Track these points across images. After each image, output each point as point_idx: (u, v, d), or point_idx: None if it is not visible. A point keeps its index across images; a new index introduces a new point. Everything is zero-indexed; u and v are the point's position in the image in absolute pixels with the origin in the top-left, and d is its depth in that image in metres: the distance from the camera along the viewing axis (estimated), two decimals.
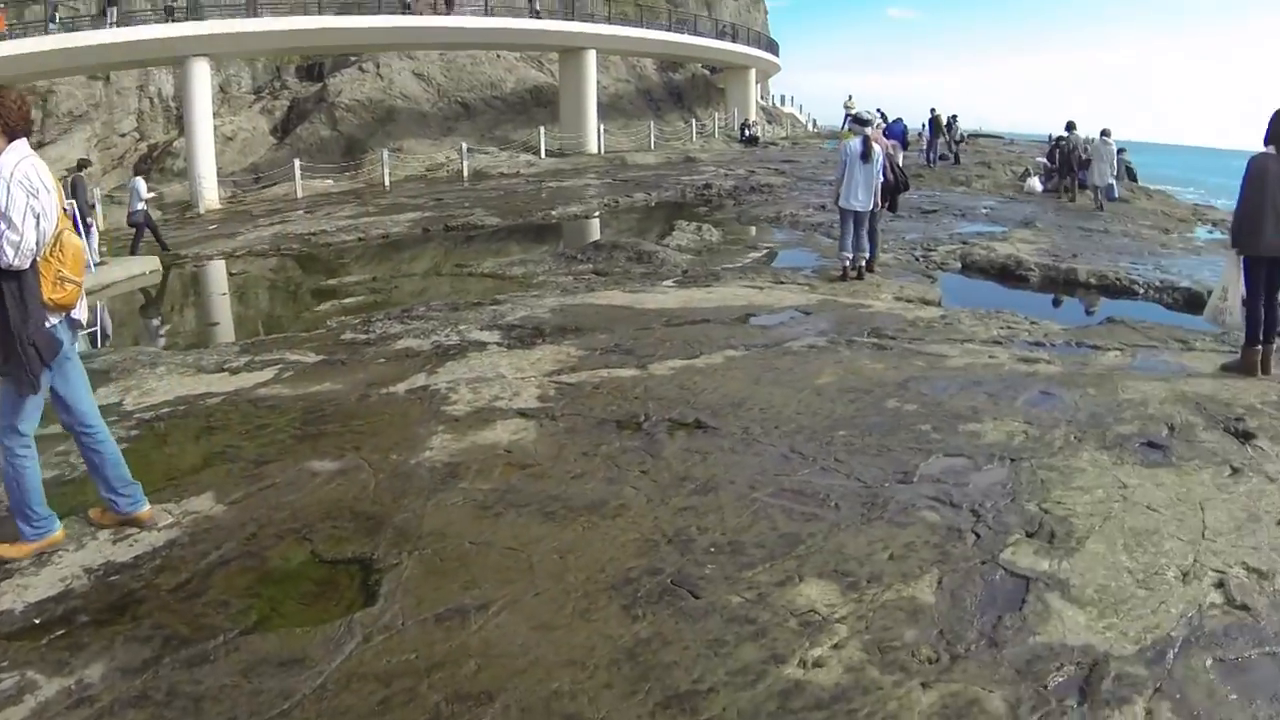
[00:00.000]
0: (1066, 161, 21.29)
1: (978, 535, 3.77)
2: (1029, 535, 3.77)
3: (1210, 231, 17.97)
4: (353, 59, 33.48)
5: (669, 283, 10.17)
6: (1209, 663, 2.93)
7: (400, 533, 3.80)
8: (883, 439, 4.91)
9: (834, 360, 6.59)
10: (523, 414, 5.28)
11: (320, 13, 27.12)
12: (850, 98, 35.46)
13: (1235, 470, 4.53)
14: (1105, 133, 19.68)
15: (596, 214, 18.72)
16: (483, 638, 3.02)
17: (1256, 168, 6.11)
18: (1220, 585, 3.40)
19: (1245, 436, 5.02)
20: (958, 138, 31.39)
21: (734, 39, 45.52)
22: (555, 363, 6.47)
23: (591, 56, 34.08)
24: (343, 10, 28.60)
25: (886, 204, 10.76)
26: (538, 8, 33.21)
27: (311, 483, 4.37)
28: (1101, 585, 3.38)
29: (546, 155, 31.01)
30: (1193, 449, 4.81)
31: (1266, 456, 4.75)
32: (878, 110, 25.35)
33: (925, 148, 28.37)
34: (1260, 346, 6.34)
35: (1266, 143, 6.13)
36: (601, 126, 34.14)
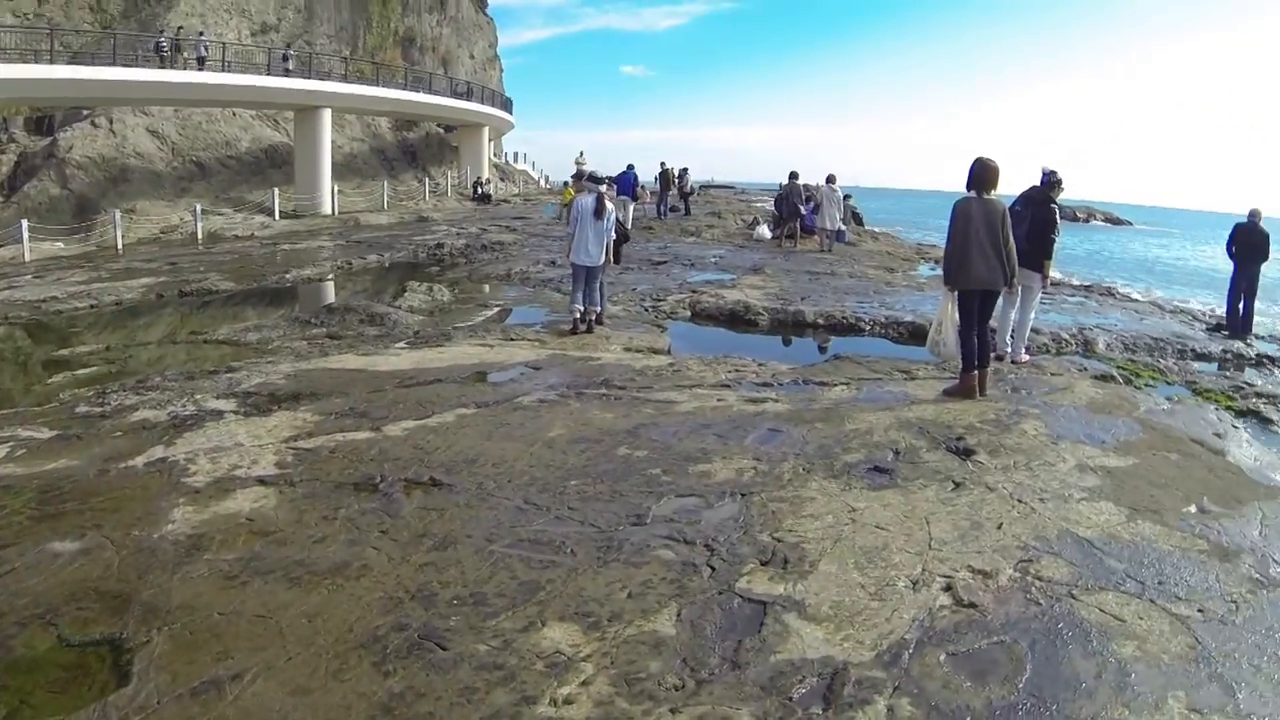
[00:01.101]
0: (791, 208, 23.72)
1: (713, 568, 4.27)
2: (763, 563, 4.33)
3: (932, 268, 20.80)
4: (85, 112, 33.91)
5: (402, 344, 10.59)
6: (942, 658, 3.54)
7: (148, 609, 3.93)
8: (615, 485, 5.42)
9: (565, 413, 7.12)
10: (262, 481, 5.56)
11: (51, 61, 27.05)
12: (581, 154, 37.69)
13: (957, 485, 5.47)
14: (831, 179, 22.66)
15: (330, 276, 19.07)
16: (240, 707, 3.20)
17: (960, 211, 7.60)
18: (948, 588, 4.11)
19: (966, 453, 6.07)
20: (688, 190, 35.05)
21: (469, 97, 49.27)
22: (292, 429, 6.77)
23: (327, 115, 36.52)
24: (75, 60, 27.97)
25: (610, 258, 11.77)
26: (289, 66, 35.84)
27: (53, 564, 4.44)
28: (836, 601, 3.95)
29: (281, 217, 32.42)
30: (917, 469, 5.74)
31: (985, 469, 5.79)
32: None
33: (656, 200, 31.61)
34: (976, 371, 7.75)
35: (968, 188, 7.67)
36: (336, 187, 36.33)
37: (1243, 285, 14.02)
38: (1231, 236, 14.41)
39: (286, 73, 35.36)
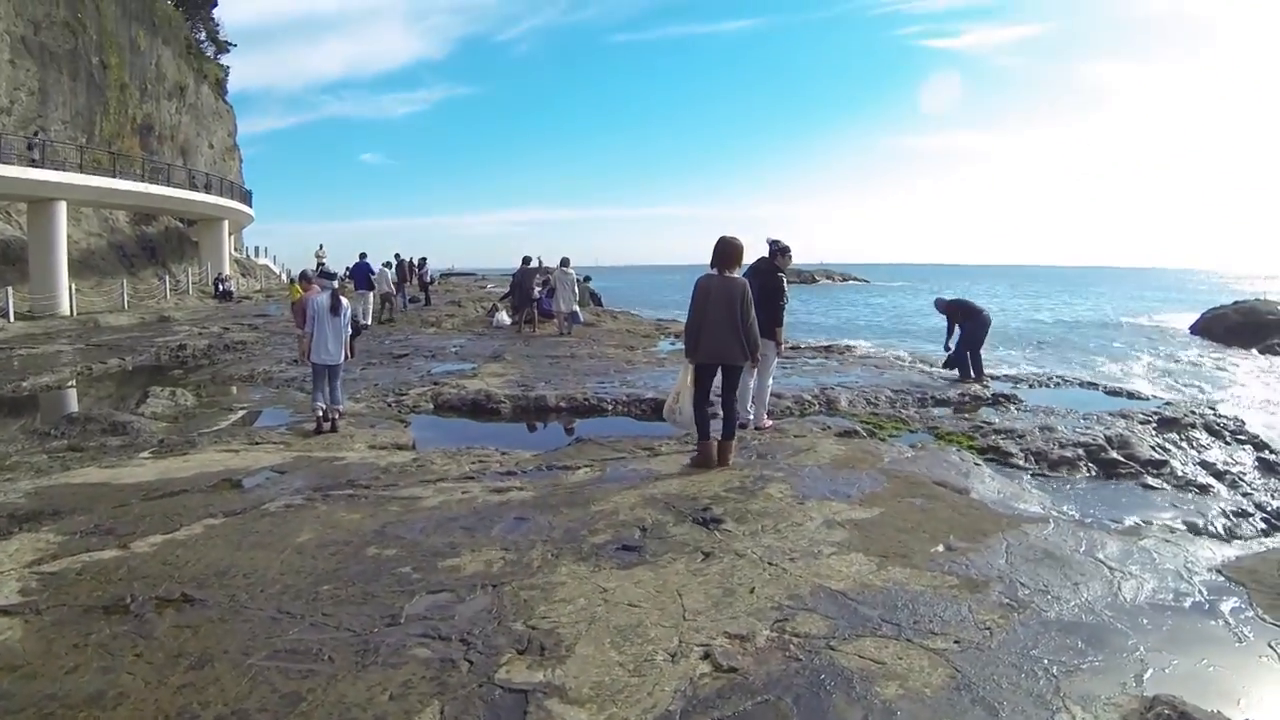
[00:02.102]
0: (525, 294, 24.11)
1: (471, 661, 4.30)
2: (520, 652, 4.39)
3: (672, 343, 21.76)
4: None
5: (146, 454, 10.22)
6: None
7: None
8: (366, 587, 5.40)
9: (313, 516, 7.06)
10: (5, 612, 5.31)
11: None
12: (321, 247, 37.32)
13: (707, 555, 5.74)
14: (565, 262, 23.59)
15: (71, 383, 18.15)
16: None
17: (700, 287, 8.24)
18: (707, 656, 4.28)
19: (713, 523, 6.38)
20: (428, 279, 36.10)
21: (208, 189, 48.63)
22: (35, 552, 6.51)
23: (62, 209, 35.50)
24: None
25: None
26: (35, 156, 34.37)
27: None
28: (596, 682, 4.04)
29: (16, 319, 31.31)
30: (665, 544, 5.99)
31: (734, 536, 6.10)
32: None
33: (395, 291, 31.64)
34: (712, 440, 8.27)
35: (711, 264, 8.29)
36: (74, 285, 35.56)
37: (966, 341, 15.43)
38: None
39: (32, 162, 33.89)
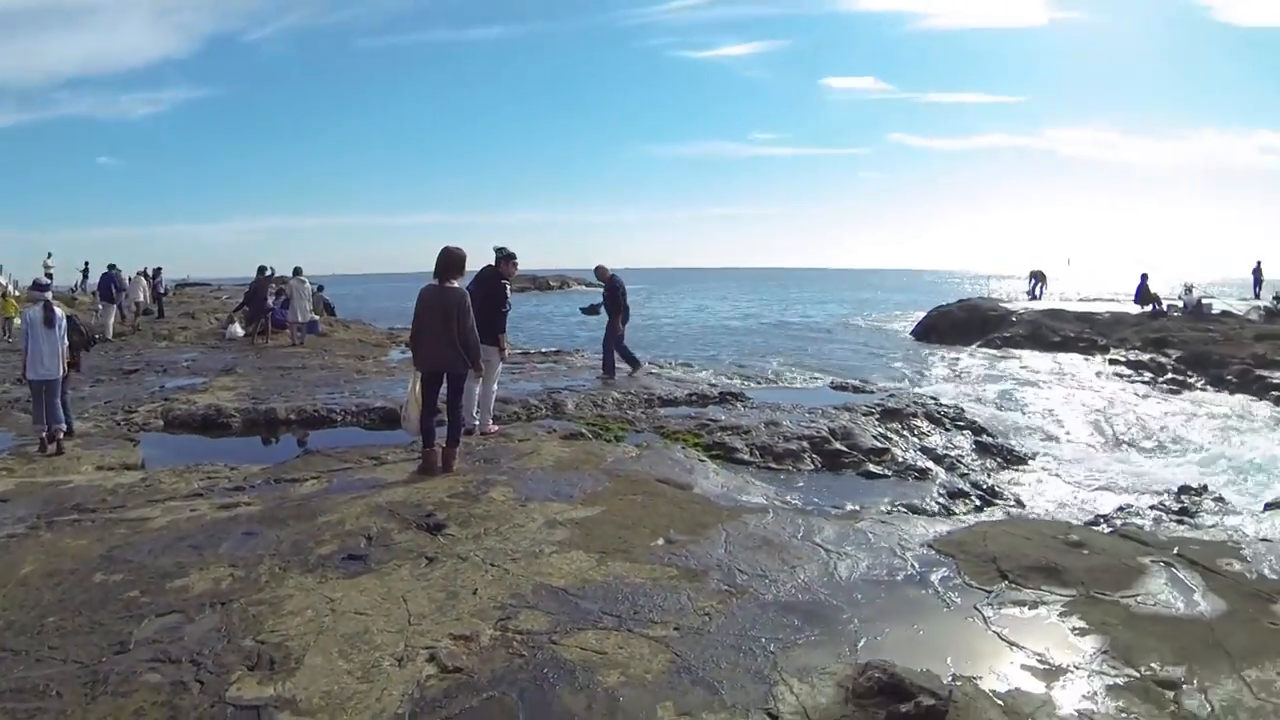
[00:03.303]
0: (259, 304, 23.50)
1: (202, 682, 4.27)
2: (250, 668, 4.39)
3: (402, 352, 21.50)
4: None
5: None
6: None
7: None
8: (94, 615, 5.20)
9: (36, 546, 6.70)
10: None
11: None
12: (50, 256, 34.51)
13: (430, 560, 5.89)
14: (298, 271, 23.06)
15: None
16: None
17: (421, 297, 8.43)
18: (433, 658, 4.41)
19: (437, 528, 6.51)
20: (162, 289, 34.46)
21: None
22: None
23: None
24: None
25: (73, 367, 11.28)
26: None
27: None
28: (326, 692, 4.11)
29: None
30: (390, 551, 6.08)
31: (457, 540, 6.28)
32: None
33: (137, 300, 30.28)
34: (435, 447, 8.39)
35: (434, 275, 8.42)
36: None
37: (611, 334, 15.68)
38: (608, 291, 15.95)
39: None
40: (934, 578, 5.67)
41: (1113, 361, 25.24)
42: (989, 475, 11.08)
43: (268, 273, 24.32)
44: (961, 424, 13.09)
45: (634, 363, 15.87)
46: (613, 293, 15.58)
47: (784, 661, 4.39)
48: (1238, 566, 6.06)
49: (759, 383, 15.91)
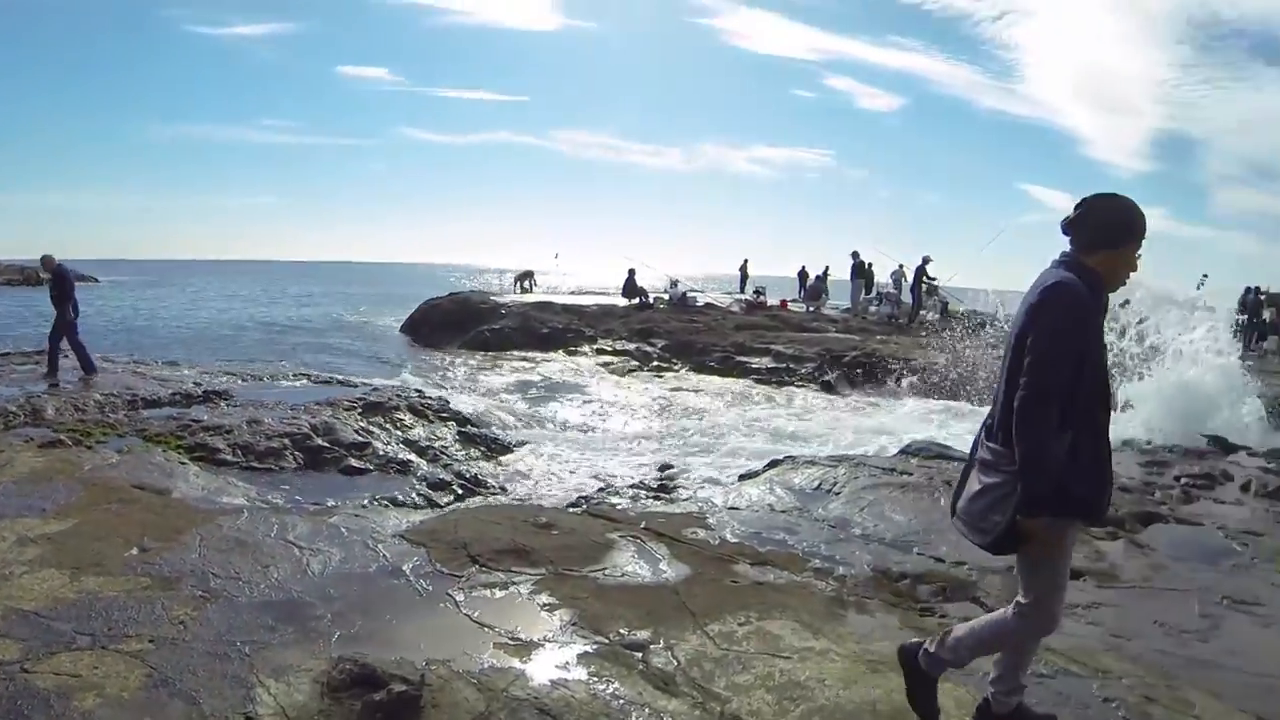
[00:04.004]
0: None
1: None
2: None
3: None
4: None
5: None
6: None
7: None
8: None
9: None
10: None
11: None
12: None
13: None
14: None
15: None
16: None
17: None
18: None
19: None
20: None
21: None
22: None
23: None
24: None
25: None
26: None
27: None
28: None
29: None
30: None
31: None
32: None
33: None
34: None
35: None
36: None
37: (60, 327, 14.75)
38: None
39: None
40: (406, 567, 6.04)
41: (600, 351, 26.86)
42: (472, 465, 11.66)
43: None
44: (445, 415, 13.60)
45: (89, 367, 14.66)
46: (60, 283, 14.60)
47: (260, 663, 4.54)
48: (702, 534, 7.04)
49: (245, 380, 15.46)
